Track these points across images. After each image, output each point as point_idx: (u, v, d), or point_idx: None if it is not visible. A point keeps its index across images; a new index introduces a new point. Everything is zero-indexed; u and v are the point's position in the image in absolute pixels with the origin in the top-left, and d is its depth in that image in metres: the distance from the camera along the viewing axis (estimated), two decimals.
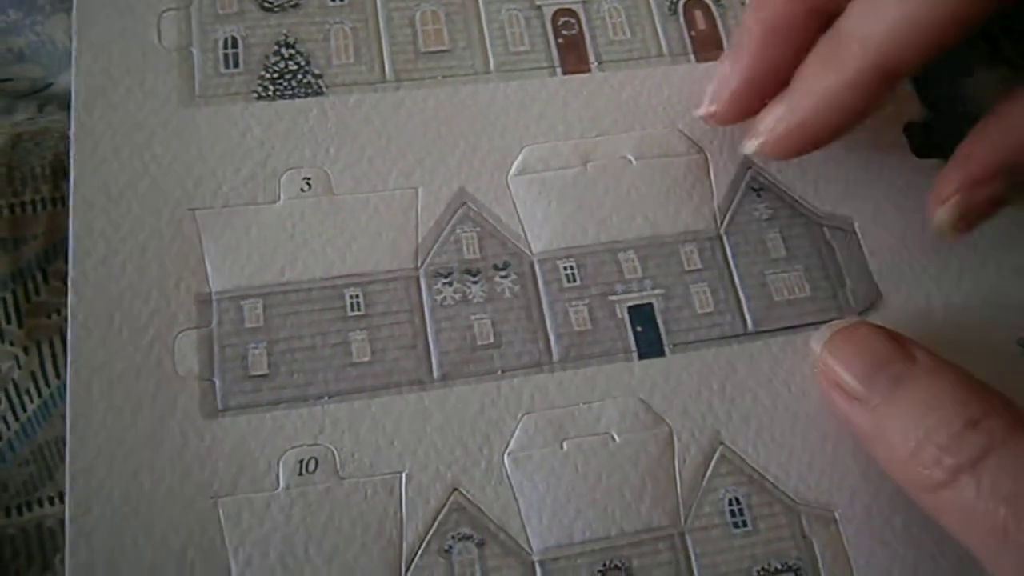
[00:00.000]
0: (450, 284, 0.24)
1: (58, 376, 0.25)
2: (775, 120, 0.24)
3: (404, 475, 0.23)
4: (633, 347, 0.24)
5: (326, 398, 0.23)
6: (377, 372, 0.24)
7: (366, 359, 0.24)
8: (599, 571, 0.23)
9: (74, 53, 0.25)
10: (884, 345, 0.23)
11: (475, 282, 0.25)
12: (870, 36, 0.22)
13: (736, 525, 0.24)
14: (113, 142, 0.25)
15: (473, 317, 0.24)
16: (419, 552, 0.23)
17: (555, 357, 0.24)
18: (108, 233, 0.24)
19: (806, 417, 0.25)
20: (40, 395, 0.25)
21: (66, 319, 0.23)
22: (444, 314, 0.24)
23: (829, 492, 0.24)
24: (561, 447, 0.24)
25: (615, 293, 0.25)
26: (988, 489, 0.20)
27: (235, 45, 0.27)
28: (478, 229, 0.25)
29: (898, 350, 0.23)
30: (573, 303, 0.25)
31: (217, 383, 0.23)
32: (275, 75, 0.26)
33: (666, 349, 0.24)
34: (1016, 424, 0.21)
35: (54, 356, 0.25)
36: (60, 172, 0.26)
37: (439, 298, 0.24)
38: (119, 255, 0.24)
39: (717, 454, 0.24)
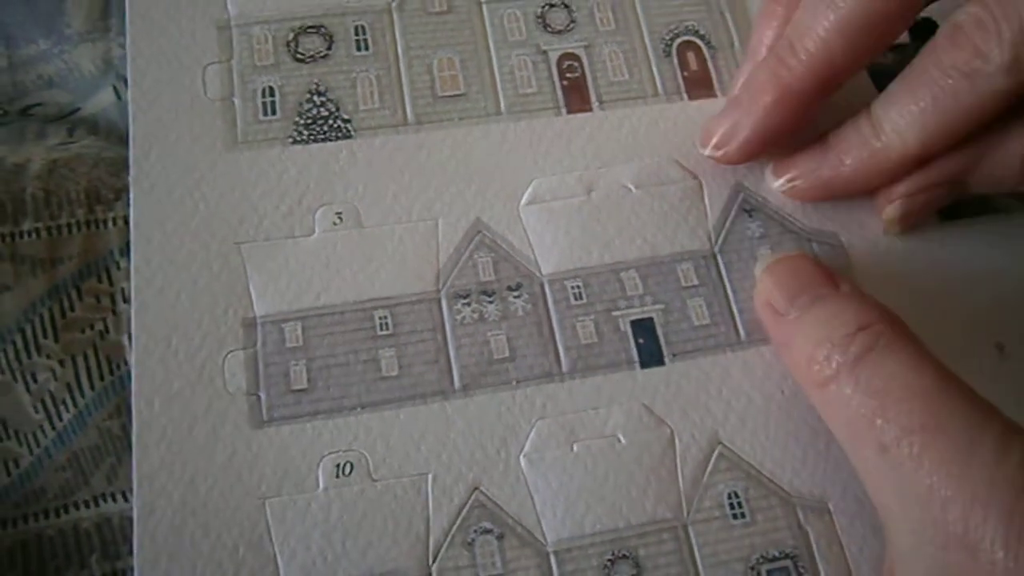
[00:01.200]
0: (468, 304, 0.27)
1: (92, 388, 0.26)
2: (811, 172, 0.28)
3: (430, 476, 0.25)
4: (635, 357, 0.27)
5: (359, 409, 0.26)
6: (404, 385, 0.26)
7: (394, 373, 0.26)
8: (608, 560, 0.25)
9: (130, 104, 0.28)
10: (814, 271, 0.25)
11: (491, 302, 0.27)
12: (903, 129, 0.25)
13: (735, 517, 0.26)
14: (167, 184, 0.27)
15: (490, 334, 0.27)
16: (444, 545, 0.25)
17: (564, 368, 0.27)
18: (164, 266, 0.26)
19: (798, 416, 0.26)
20: (76, 405, 0.26)
21: (100, 334, 0.26)
22: (464, 331, 0.27)
23: (822, 485, 0.26)
24: (572, 449, 0.26)
25: (618, 309, 0.27)
26: (863, 385, 0.22)
27: (272, 94, 0.29)
28: (493, 254, 0.27)
29: (825, 277, 0.25)
30: (580, 319, 0.27)
31: (263, 397, 0.26)
32: (308, 121, 0.29)
33: (666, 358, 0.27)
34: (902, 334, 0.23)
35: (88, 369, 0.27)
36: (93, 197, 0.28)
37: (459, 317, 0.27)
38: (174, 285, 0.26)
39: (716, 452, 0.26)
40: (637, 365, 0.27)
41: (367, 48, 0.30)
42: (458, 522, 0.25)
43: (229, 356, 0.26)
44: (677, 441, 0.26)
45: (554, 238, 0.28)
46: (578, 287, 0.27)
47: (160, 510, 0.24)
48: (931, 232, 0.30)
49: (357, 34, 0.31)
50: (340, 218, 0.28)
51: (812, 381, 0.24)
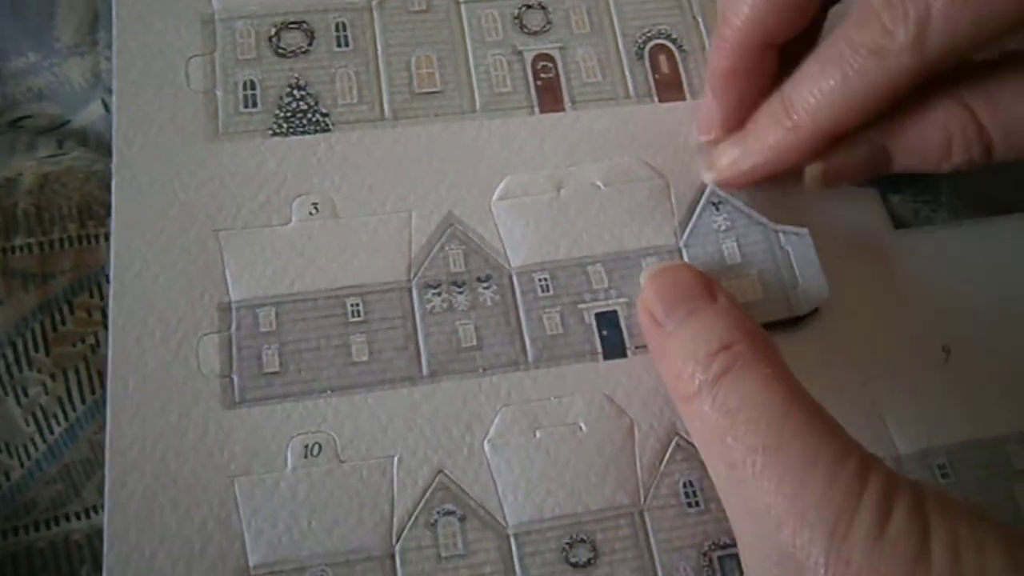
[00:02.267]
0: (439, 294, 0.28)
1: (83, 402, 0.27)
2: (730, 161, 0.28)
3: (396, 459, 0.26)
4: (599, 349, 0.28)
5: (328, 392, 0.27)
6: (374, 370, 0.27)
7: (364, 359, 0.27)
8: (566, 543, 0.26)
9: (115, 95, 0.29)
10: (693, 283, 0.26)
11: (460, 292, 0.28)
12: (814, 108, 0.25)
13: (690, 505, 0.27)
14: (148, 172, 0.28)
15: (458, 323, 0.28)
16: (408, 525, 0.26)
17: (530, 358, 0.27)
18: (143, 251, 0.27)
19: None
20: (67, 419, 0.27)
21: (91, 348, 0.26)
22: (433, 320, 0.28)
23: None
24: (534, 435, 0.27)
25: (584, 302, 0.28)
26: (719, 404, 0.23)
27: (253, 87, 0.30)
28: (464, 246, 0.28)
29: (703, 289, 0.26)
30: (546, 310, 0.28)
31: (235, 379, 0.27)
32: (288, 114, 0.30)
33: (628, 351, 0.28)
34: (762, 355, 0.24)
35: (79, 383, 0.27)
36: (85, 212, 0.28)
37: (429, 306, 0.28)
38: (152, 269, 0.27)
39: (673, 443, 0.27)
40: (600, 356, 0.27)
41: (347, 44, 0.31)
42: (422, 503, 0.26)
43: (204, 339, 0.27)
44: (636, 431, 0.27)
45: (523, 232, 0.29)
46: (545, 280, 0.28)
47: (131, 484, 0.25)
48: (886, 238, 0.31)
49: (338, 30, 0.31)
50: (316, 208, 0.28)
51: (678, 395, 0.25)
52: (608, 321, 0.28)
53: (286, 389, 0.27)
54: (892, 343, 0.30)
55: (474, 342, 0.27)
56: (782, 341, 0.28)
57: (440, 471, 0.26)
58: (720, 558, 0.26)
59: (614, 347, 0.28)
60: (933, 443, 0.29)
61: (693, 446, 0.27)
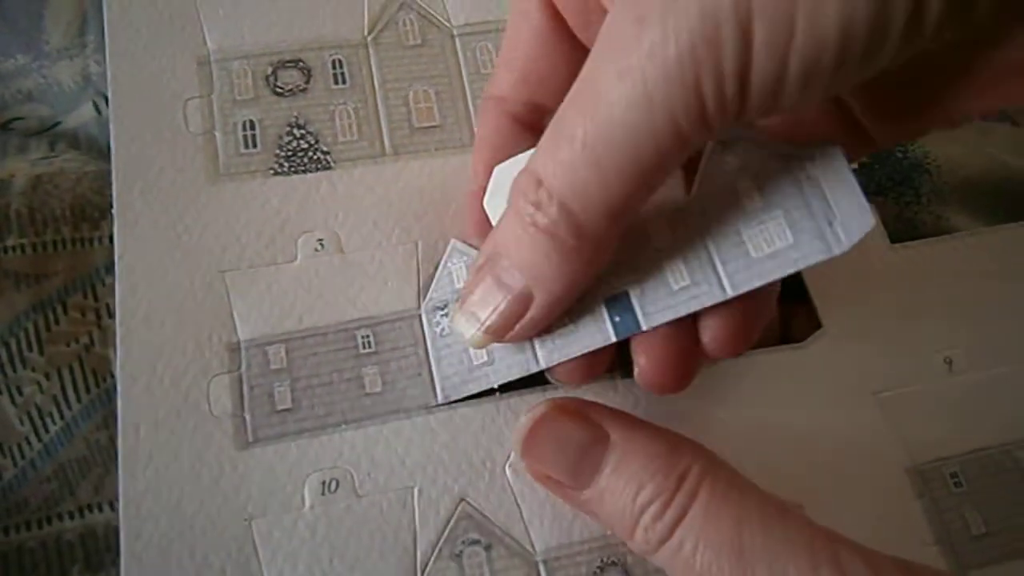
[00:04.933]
0: (446, 315, 0.27)
1: (79, 400, 0.26)
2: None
3: (416, 490, 0.26)
4: (612, 335, 0.25)
5: (343, 425, 0.26)
6: (388, 400, 0.26)
7: (377, 390, 0.27)
8: (597, 567, 0.25)
9: (112, 139, 0.28)
10: (578, 434, 0.24)
11: None
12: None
13: None
14: (151, 215, 0.28)
15: None
16: (432, 558, 0.25)
17: (542, 362, 0.26)
18: (149, 295, 0.27)
19: (778, 429, 0.28)
20: (63, 417, 0.26)
21: (85, 347, 0.26)
22: (443, 343, 0.27)
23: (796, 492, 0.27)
24: None
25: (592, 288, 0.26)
26: (687, 549, 0.21)
27: (252, 127, 0.30)
28: (466, 258, 0.27)
29: (590, 435, 0.23)
30: None
31: (247, 419, 0.26)
32: (288, 153, 0.30)
33: (642, 325, 0.24)
34: (716, 473, 0.22)
35: (74, 381, 0.27)
36: (79, 215, 0.28)
37: (438, 329, 0.27)
38: (159, 313, 0.27)
39: None
40: (613, 335, 0.25)
41: (344, 81, 0.31)
42: (445, 534, 0.25)
43: (214, 380, 0.27)
44: None
45: None
46: None
47: (147, 534, 0.24)
48: (884, 252, 0.32)
49: (334, 67, 0.31)
50: (321, 244, 0.28)
51: (641, 551, 0.23)
52: (620, 304, 0.25)
53: (300, 425, 0.26)
54: (895, 356, 0.30)
55: (485, 358, 0.27)
56: (788, 359, 0.30)
57: (462, 499, 0.26)
58: None
59: (628, 329, 0.25)
60: (944, 453, 0.29)
61: None
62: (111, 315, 0.27)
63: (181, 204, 0.28)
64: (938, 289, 0.32)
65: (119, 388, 0.26)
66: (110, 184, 0.28)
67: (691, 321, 0.24)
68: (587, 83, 0.20)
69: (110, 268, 0.27)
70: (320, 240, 0.28)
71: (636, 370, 0.25)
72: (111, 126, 0.29)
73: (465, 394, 0.27)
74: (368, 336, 0.27)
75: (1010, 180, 0.35)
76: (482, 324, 0.24)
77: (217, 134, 0.30)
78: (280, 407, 0.26)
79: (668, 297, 0.24)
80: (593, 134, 0.19)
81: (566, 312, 0.25)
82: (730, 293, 0.23)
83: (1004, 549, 0.28)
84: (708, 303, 0.23)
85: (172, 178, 0.29)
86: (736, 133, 0.23)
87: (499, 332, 0.24)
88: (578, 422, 0.24)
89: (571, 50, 0.26)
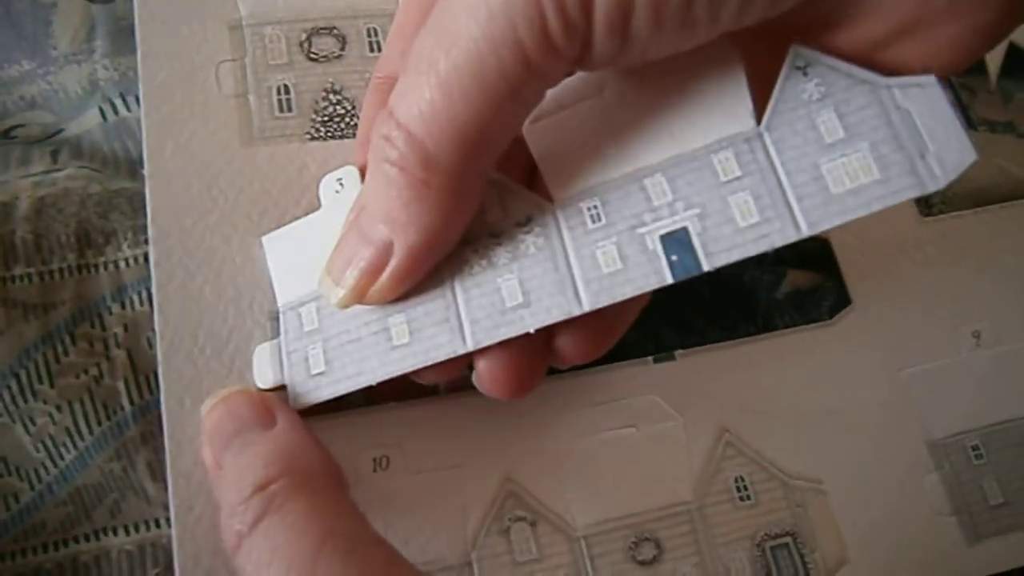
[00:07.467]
0: (475, 251, 0.24)
1: (91, 432, 0.26)
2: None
3: (464, 468, 0.26)
4: (669, 276, 0.21)
5: (392, 403, 0.26)
6: (416, 351, 0.24)
7: (405, 341, 0.24)
8: (632, 542, 0.27)
9: (142, 98, 0.28)
10: (246, 410, 0.23)
11: (499, 244, 0.23)
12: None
13: (742, 499, 0.28)
14: (184, 178, 0.27)
15: (500, 280, 0.23)
16: (482, 533, 0.26)
17: (585, 304, 0.22)
18: (185, 260, 0.26)
19: (803, 406, 0.29)
20: (76, 448, 0.26)
21: (95, 379, 0.26)
22: (473, 282, 0.23)
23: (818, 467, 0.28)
24: (596, 438, 0.27)
25: (644, 224, 0.22)
26: (254, 559, 0.20)
27: (287, 92, 0.29)
28: (496, 188, 0.24)
29: (257, 415, 0.23)
30: (600, 244, 0.22)
31: (288, 388, 0.25)
32: (325, 119, 0.29)
33: (704, 265, 0.21)
34: (301, 488, 0.21)
35: (85, 414, 0.26)
36: (84, 241, 0.27)
37: (466, 267, 0.24)
38: (196, 280, 0.26)
39: (723, 441, 0.28)
40: (669, 276, 0.21)
41: (379, 49, 0.30)
42: (494, 511, 0.26)
43: (258, 349, 0.26)
44: (689, 430, 0.28)
45: (564, 153, 0.23)
46: (595, 208, 0.23)
47: (199, 507, 0.24)
48: (913, 226, 0.33)
49: (369, 36, 0.30)
50: (341, 185, 0.26)
51: (227, 547, 0.21)
52: (677, 242, 0.22)
53: (334, 387, 0.24)
54: (923, 330, 0.31)
55: (520, 299, 0.23)
56: (815, 337, 0.30)
57: (508, 478, 0.26)
58: (772, 548, 0.27)
59: (687, 271, 0.21)
60: (966, 426, 0.30)
61: (743, 442, 0.28)
62: (119, 345, 0.27)
63: (216, 167, 0.28)
64: (969, 262, 0.32)
65: (160, 358, 0.25)
66: (113, 206, 0.28)
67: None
68: (438, 9, 0.20)
69: (116, 295, 0.27)
70: (339, 180, 0.26)
71: (474, 375, 0.24)
72: (140, 87, 0.28)
73: (498, 339, 0.23)
74: None
75: (1019, 191, 0.35)
76: (343, 281, 0.23)
77: (251, 97, 0.29)
78: (315, 371, 0.25)
79: (735, 235, 0.21)
80: (437, 55, 0.19)
81: (618, 249, 0.22)
82: (805, 231, 0.20)
83: (1020, 518, 0.29)
84: (779, 243, 0.21)
85: (205, 140, 0.28)
86: (814, 57, 0.21)
87: (361, 289, 0.23)
88: (255, 399, 0.24)
89: None
